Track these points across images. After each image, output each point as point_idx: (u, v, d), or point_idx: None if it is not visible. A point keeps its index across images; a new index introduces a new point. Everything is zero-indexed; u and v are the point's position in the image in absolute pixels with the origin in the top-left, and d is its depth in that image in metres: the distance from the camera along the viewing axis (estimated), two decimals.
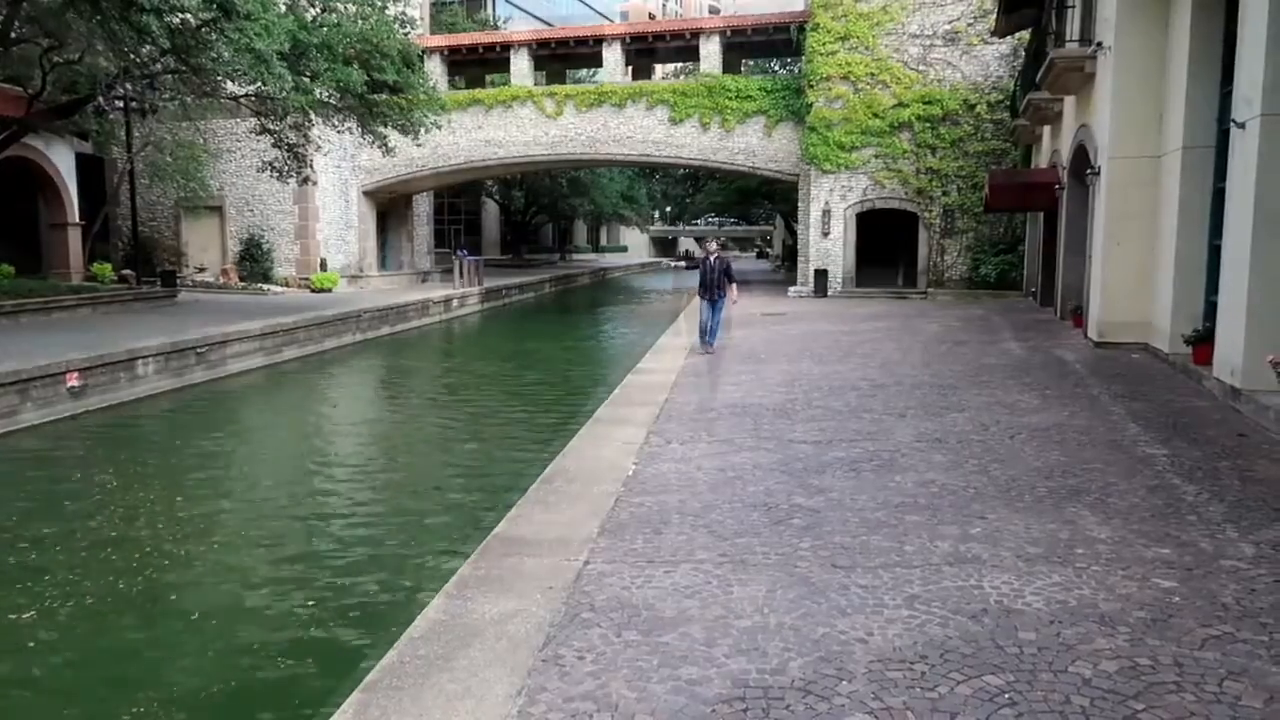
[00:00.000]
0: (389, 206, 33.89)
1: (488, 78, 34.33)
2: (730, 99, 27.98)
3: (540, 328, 29.22)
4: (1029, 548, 5.11)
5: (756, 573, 4.80)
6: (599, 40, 30.39)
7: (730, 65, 31.22)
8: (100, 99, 20.68)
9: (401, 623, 4.74)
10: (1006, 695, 3.50)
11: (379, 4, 20.38)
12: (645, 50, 31.67)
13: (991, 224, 25.58)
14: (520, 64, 30.49)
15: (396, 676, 3.77)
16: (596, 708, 3.48)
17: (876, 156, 25.77)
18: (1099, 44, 13.89)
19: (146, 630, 6.78)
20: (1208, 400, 9.51)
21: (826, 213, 26.33)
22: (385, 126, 22.00)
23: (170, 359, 15.73)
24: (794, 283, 27.96)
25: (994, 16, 22.03)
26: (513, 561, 5.02)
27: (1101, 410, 9.03)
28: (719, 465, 7.06)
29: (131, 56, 17.62)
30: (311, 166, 23.21)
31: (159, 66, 18.89)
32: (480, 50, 31.85)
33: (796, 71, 28.24)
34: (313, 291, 27.97)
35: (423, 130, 22.62)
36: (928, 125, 25.32)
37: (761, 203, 53.57)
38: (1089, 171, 14.58)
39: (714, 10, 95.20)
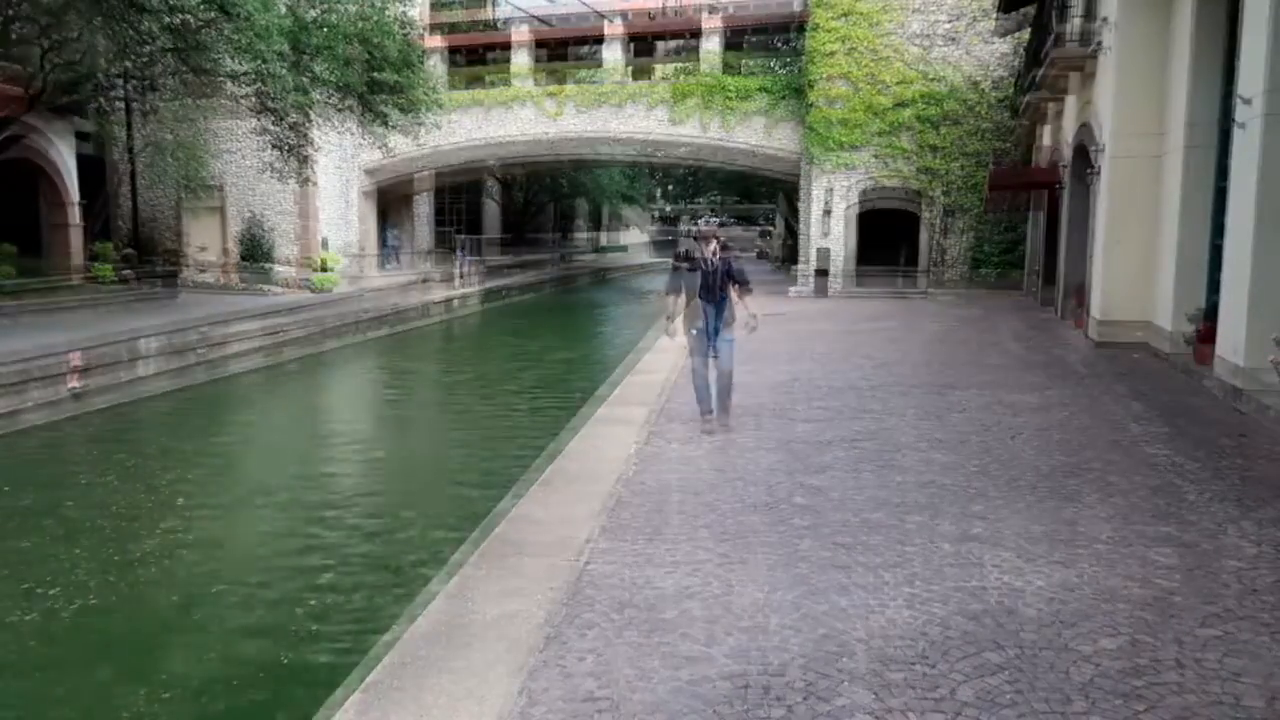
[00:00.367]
0: (389, 207, 33.87)
1: (488, 78, 34.31)
2: (730, 99, 27.98)
3: (540, 328, 29.18)
4: (1030, 547, 5.11)
5: (757, 573, 4.80)
6: (599, 40, 30.39)
7: (730, 65, 31.22)
8: (101, 100, 20.66)
9: (403, 623, 4.74)
10: (1007, 694, 3.50)
11: (379, 4, 20.37)
12: (645, 50, 31.67)
13: (992, 224, 25.54)
14: (520, 61, 30.47)
15: (398, 677, 3.77)
16: (598, 709, 3.48)
17: (876, 157, 25.73)
18: (1099, 44, 13.89)
19: (146, 630, 6.78)
20: (1208, 400, 9.50)
21: (827, 213, 26.32)
22: (385, 127, 22.00)
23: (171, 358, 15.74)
24: (794, 283, 27.95)
25: (994, 16, 22.04)
26: (513, 563, 5.02)
27: (1102, 410, 9.02)
28: (719, 466, 7.05)
29: (132, 57, 17.61)
30: (312, 168, 23.19)
31: (159, 68, 18.87)
32: (481, 50, 31.86)
33: (796, 71, 28.21)
34: (313, 292, 27.95)
35: (423, 131, 22.61)
36: (928, 125, 25.28)
37: (762, 202, 53.56)
38: (1089, 171, 14.57)
39: (714, 10, 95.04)
